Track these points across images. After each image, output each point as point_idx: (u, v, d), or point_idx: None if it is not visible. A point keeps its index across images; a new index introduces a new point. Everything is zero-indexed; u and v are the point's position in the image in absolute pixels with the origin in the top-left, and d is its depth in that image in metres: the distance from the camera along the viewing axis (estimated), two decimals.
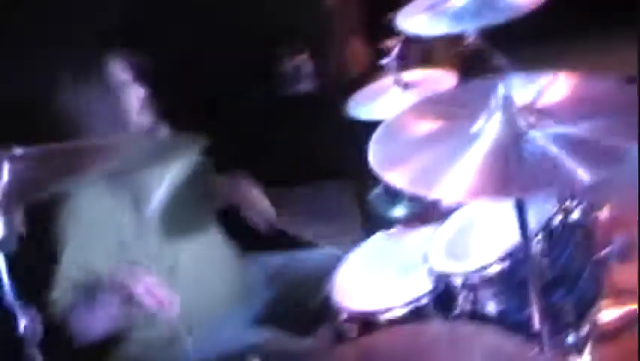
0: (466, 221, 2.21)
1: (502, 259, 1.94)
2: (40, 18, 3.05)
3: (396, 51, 2.58)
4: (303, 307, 2.42)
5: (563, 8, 2.38)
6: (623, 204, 2.27)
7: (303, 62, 3.37)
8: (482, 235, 2.12)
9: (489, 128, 1.60)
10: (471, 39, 2.41)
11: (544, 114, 1.60)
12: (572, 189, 1.53)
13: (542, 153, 1.52)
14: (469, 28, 2.35)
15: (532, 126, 1.57)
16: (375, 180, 2.85)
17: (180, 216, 2.42)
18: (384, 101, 2.61)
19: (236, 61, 3.30)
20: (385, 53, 3.28)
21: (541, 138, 1.55)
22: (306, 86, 3.38)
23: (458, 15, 2.36)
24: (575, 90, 1.69)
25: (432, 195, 1.60)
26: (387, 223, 2.57)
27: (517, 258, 1.89)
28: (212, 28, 3.32)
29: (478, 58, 2.45)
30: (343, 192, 3.39)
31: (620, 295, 2.18)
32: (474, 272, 1.98)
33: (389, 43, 3.87)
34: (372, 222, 2.66)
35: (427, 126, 1.77)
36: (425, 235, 2.37)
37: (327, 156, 3.32)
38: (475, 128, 1.63)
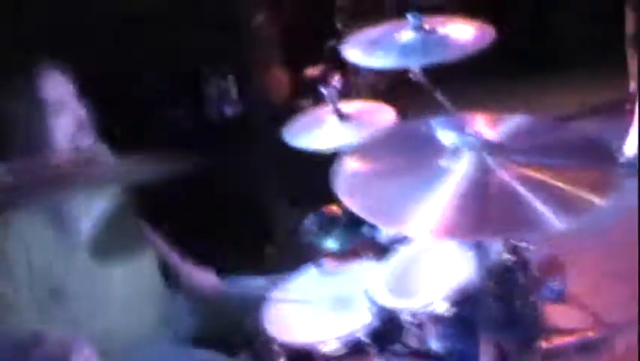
0: (410, 256, 2.20)
1: (450, 298, 1.94)
2: None
3: (335, 81, 2.56)
4: (234, 331, 2.35)
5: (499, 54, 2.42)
6: (559, 246, 2.33)
7: (228, 85, 3.31)
8: (427, 271, 2.12)
9: (458, 165, 1.59)
10: (413, 74, 2.44)
11: (513, 154, 1.61)
12: (543, 233, 1.53)
13: (513, 193, 1.53)
14: (413, 63, 2.38)
15: (501, 165, 1.58)
16: (305, 208, 2.87)
17: (111, 242, 2.29)
18: (321, 130, 2.58)
19: (161, 81, 3.21)
20: (315, 81, 3.30)
21: (510, 177, 1.56)
22: (231, 110, 3.32)
23: (404, 50, 2.38)
24: (539, 133, 1.72)
25: (398, 228, 1.59)
26: (317, 254, 2.55)
27: (467, 296, 1.89)
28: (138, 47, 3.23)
29: (417, 93, 2.48)
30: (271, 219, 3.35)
31: (557, 333, 2.23)
32: (421, 309, 1.97)
33: (312, 70, 3.91)
34: (302, 252, 2.61)
35: (386, 160, 1.77)
36: (362, 268, 2.36)
37: (256, 181, 3.27)
38: (443, 164, 1.62)
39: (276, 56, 3.86)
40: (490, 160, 1.60)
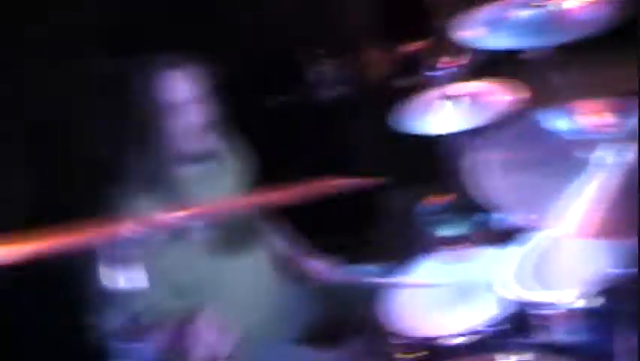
0: (543, 247, 2.09)
1: (590, 291, 1.84)
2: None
3: (452, 63, 2.46)
4: (348, 321, 2.31)
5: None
6: None
7: (328, 67, 3.26)
8: (561, 262, 2.01)
9: (611, 160, 1.49)
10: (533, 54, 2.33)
11: None
12: None
13: None
14: (531, 44, 2.26)
15: None
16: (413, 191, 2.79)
17: (228, 237, 2.27)
18: (435, 114, 2.50)
19: (260, 67, 3.18)
20: (415, 59, 3.21)
21: None
22: (330, 92, 3.26)
23: (521, 29, 2.27)
24: None
25: (541, 224, 1.51)
26: (433, 241, 2.49)
27: (610, 289, 1.79)
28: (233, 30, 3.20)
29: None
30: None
31: None
32: (558, 302, 1.87)
33: (411, 47, 3.81)
34: (418, 239, 2.56)
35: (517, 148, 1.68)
36: (482, 256, 2.28)
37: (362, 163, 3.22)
38: (594, 159, 1.52)
39: (373, 35, 3.78)
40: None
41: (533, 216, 1.55)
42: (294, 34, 3.21)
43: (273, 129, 3.14)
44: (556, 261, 2.03)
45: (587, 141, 1.58)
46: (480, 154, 1.67)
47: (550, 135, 1.67)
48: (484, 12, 2.44)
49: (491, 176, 1.62)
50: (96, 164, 2.38)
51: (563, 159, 1.57)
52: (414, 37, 3.70)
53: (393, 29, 3.77)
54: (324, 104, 3.28)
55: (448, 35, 2.46)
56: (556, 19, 2.25)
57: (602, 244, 1.76)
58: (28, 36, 2.81)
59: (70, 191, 2.77)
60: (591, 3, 2.26)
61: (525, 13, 2.30)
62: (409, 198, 2.82)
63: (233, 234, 2.28)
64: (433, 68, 2.56)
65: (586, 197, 1.46)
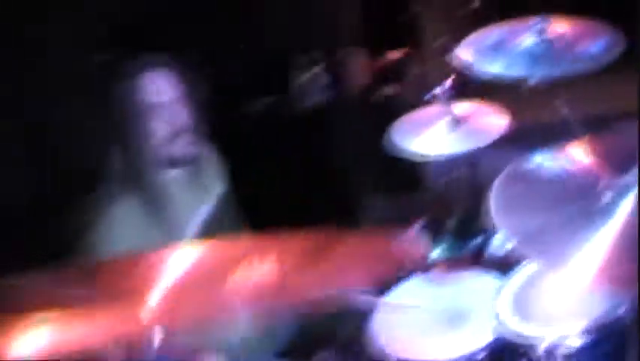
0: (539, 275, 2.09)
1: (589, 330, 1.85)
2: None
3: (449, 82, 2.47)
4: (330, 338, 2.30)
5: None
6: None
7: (318, 73, 3.24)
8: (559, 295, 2.01)
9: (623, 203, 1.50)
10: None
11: None
12: None
13: None
14: (536, 73, 2.27)
15: None
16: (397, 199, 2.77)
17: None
18: (432, 133, 2.50)
19: (249, 71, 3.14)
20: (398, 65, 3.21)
21: None
22: (320, 98, 3.25)
23: (521, 58, 2.29)
24: None
25: (555, 266, 1.51)
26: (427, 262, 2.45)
27: (609, 329, 1.81)
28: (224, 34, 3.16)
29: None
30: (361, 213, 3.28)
31: None
32: (554, 339, 1.88)
33: (393, 54, 3.80)
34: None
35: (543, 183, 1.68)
36: (475, 280, 2.27)
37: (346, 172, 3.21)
38: (607, 199, 1.54)
39: (357, 41, 3.77)
40: None
41: (555, 262, 1.54)
42: (278, 39, 3.18)
43: (254, 136, 3.11)
44: (547, 295, 2.02)
45: (586, 184, 1.58)
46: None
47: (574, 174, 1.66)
48: (483, 35, 2.46)
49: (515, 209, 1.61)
50: (76, 165, 2.33)
51: (573, 200, 1.57)
52: (397, 46, 3.71)
53: (377, 37, 3.78)
54: (307, 112, 3.27)
55: (442, 55, 2.48)
56: (557, 49, 2.28)
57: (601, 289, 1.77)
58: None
59: (52, 191, 2.71)
60: (591, 35, 2.30)
61: (526, 41, 2.32)
62: (394, 210, 2.82)
63: None
64: (419, 80, 2.57)
65: (590, 242, 1.47)
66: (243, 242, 1.80)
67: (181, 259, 1.63)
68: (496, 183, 1.62)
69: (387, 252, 1.79)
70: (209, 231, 2.25)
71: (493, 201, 1.59)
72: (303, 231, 1.67)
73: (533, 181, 1.65)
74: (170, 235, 2.16)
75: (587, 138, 1.69)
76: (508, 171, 1.65)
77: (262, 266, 1.62)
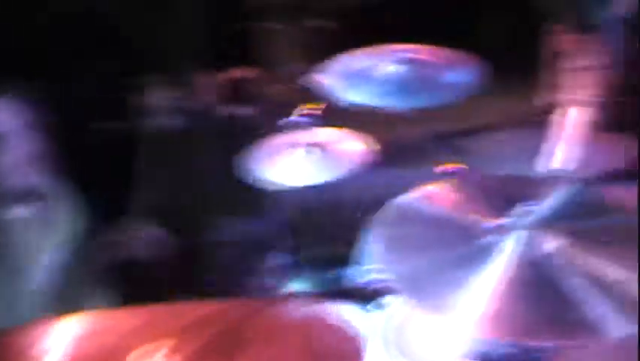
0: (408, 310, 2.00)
1: None
2: None
3: (307, 108, 2.36)
4: None
5: None
6: None
7: (167, 94, 3.05)
8: (431, 331, 1.93)
9: (506, 245, 1.43)
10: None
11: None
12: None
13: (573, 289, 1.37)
14: (399, 103, 2.20)
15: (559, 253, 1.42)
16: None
17: (65, 291, 2.04)
18: (288, 160, 2.37)
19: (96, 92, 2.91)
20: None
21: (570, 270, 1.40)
22: (169, 120, 3.05)
23: (384, 87, 2.22)
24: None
25: (437, 315, 1.42)
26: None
27: None
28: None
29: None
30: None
31: None
32: None
33: (236, 73, 3.67)
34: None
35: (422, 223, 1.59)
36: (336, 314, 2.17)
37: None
38: (486, 240, 1.46)
39: (203, 59, 3.61)
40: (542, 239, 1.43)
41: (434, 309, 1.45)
42: (123, 59, 2.98)
43: (103, 161, 2.88)
44: (420, 327, 1.95)
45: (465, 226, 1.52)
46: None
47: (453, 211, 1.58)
48: (344, 61, 2.37)
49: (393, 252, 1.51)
50: None
51: (466, 241, 1.49)
52: (244, 64, 3.59)
53: (225, 57, 3.64)
54: (154, 135, 3.07)
55: (297, 78, 2.38)
56: (423, 79, 2.22)
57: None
58: None
59: None
60: (458, 65, 2.26)
61: (389, 69, 2.25)
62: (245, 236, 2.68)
63: (68, 285, 2.06)
64: (273, 104, 2.46)
65: (468, 286, 1.39)
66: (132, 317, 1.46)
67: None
68: (374, 219, 1.52)
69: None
70: (61, 279, 2.05)
71: (370, 238, 1.50)
72: None
73: (412, 220, 1.55)
74: (13, 283, 1.96)
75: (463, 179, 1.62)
76: (386, 207, 1.55)
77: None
